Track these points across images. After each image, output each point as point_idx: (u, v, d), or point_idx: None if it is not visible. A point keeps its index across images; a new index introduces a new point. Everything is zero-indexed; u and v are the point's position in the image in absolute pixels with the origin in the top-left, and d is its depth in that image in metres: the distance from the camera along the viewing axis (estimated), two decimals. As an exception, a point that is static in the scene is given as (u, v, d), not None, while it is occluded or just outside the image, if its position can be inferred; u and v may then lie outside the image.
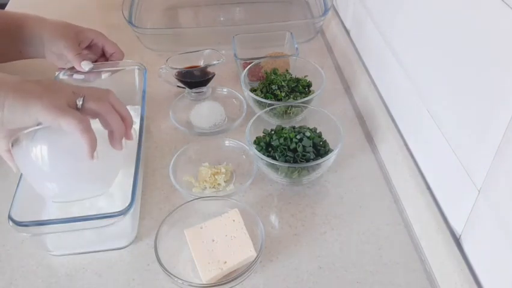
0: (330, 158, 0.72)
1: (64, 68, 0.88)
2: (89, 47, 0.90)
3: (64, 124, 0.58)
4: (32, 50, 0.87)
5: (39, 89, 0.59)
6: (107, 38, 0.91)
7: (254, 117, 0.79)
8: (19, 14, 0.88)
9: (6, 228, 0.61)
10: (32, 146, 0.61)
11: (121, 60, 0.91)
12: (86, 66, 0.85)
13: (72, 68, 0.87)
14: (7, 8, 1.22)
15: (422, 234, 0.67)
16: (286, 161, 0.72)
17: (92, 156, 0.60)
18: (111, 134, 0.65)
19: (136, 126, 0.81)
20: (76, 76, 0.87)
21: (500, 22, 0.49)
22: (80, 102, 0.61)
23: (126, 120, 0.66)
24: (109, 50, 0.91)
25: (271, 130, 0.78)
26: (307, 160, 0.72)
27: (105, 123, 0.64)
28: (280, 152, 0.73)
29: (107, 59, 0.91)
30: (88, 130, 0.59)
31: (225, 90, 0.93)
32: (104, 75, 0.89)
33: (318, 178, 0.76)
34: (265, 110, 0.83)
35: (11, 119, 0.59)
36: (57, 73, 0.87)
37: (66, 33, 0.86)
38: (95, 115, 0.63)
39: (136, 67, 0.88)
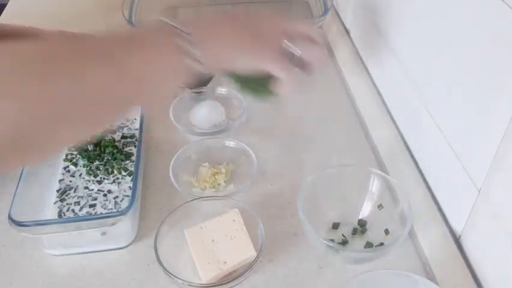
0: None
1: None
2: None
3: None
4: None
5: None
6: None
7: None
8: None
9: (6, 228, 0.61)
10: None
11: None
12: None
13: None
14: (7, 8, 1.22)
15: (422, 234, 0.67)
16: None
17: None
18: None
19: (136, 126, 0.81)
20: None
21: (501, 22, 0.49)
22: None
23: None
24: None
25: None
26: None
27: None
28: None
29: None
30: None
31: (225, 90, 0.92)
32: None
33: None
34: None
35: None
36: None
37: None
38: None
39: (136, 67, 0.88)
